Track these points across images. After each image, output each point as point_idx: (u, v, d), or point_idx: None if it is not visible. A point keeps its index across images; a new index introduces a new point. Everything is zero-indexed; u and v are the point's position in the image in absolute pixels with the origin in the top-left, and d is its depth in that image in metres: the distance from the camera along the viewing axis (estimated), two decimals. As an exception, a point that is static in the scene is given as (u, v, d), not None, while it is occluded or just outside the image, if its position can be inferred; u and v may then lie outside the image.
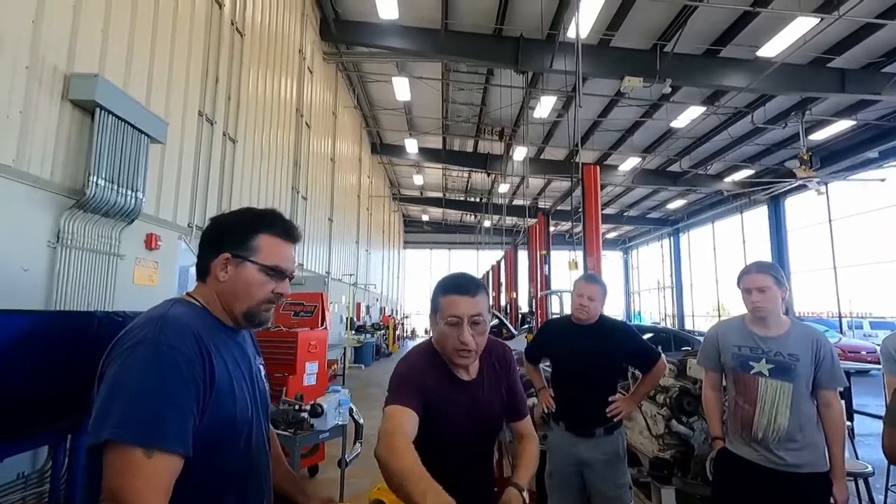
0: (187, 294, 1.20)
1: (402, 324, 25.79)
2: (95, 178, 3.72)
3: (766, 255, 18.24)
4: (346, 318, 12.13)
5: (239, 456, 1.11)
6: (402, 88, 12.46)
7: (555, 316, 7.76)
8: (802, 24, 8.57)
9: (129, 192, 4.06)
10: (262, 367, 1.32)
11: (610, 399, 2.44)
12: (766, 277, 2.14)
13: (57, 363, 2.56)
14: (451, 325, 1.39)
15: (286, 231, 1.21)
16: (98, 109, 3.74)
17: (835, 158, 14.74)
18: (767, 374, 2.12)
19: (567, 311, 7.20)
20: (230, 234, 1.17)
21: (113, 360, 0.98)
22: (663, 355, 2.59)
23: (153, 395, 0.93)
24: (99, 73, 3.83)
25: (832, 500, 2.04)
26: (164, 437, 0.92)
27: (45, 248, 3.45)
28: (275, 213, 1.23)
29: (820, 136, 13.88)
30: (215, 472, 1.06)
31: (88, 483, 0.97)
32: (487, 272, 23.57)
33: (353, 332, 13.22)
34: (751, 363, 2.16)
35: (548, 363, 2.88)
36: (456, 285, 1.43)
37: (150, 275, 4.67)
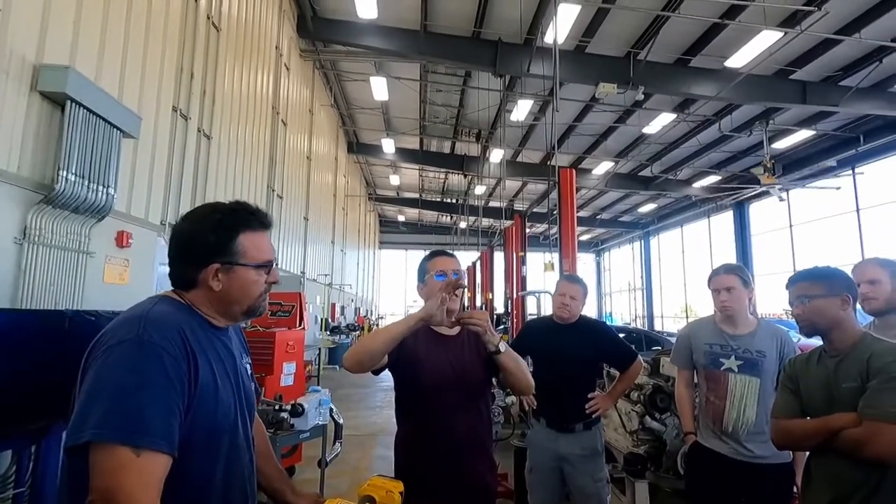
0: (172, 291, 1.17)
1: (378, 325, 25.65)
2: (65, 172, 3.60)
3: (731, 259, 18.88)
4: (321, 319, 11.99)
5: (222, 459, 1.08)
6: (379, 88, 12.41)
7: (531, 317, 7.87)
8: (767, 38, 8.95)
9: (101, 188, 3.94)
10: (248, 366, 1.29)
11: (589, 396, 2.51)
12: (733, 278, 2.27)
13: (24, 363, 2.46)
14: (439, 280, 1.73)
15: (261, 222, 1.19)
16: (69, 102, 3.62)
17: (796, 166, 15.40)
18: (736, 370, 2.24)
19: (544, 312, 7.29)
20: (211, 244, 1.12)
21: (94, 360, 0.96)
22: (640, 355, 2.69)
23: (136, 393, 0.91)
24: (70, 65, 3.71)
25: (795, 489, 2.16)
26: (150, 435, 0.89)
27: (11, 245, 3.32)
28: (245, 206, 1.19)
29: (782, 144, 14.48)
30: (197, 475, 1.03)
31: (68, 485, 0.95)
32: (463, 273, 23.51)
33: (328, 332, 13.09)
34: (721, 360, 2.28)
35: (529, 361, 2.94)
36: (438, 251, 1.88)
37: (120, 273, 4.53)
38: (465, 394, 1.71)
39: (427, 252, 1.95)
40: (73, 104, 3.66)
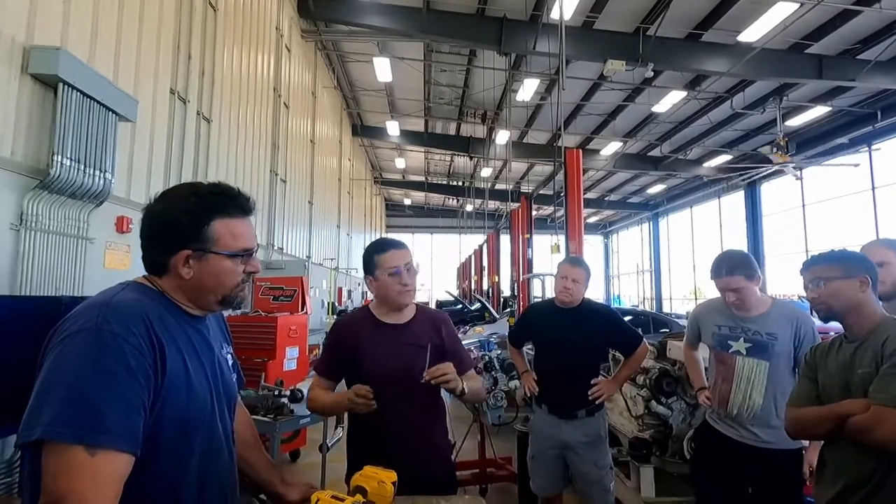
0: (144, 277, 1.10)
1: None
2: (60, 157, 3.54)
3: (741, 240, 18.64)
4: (328, 303, 12.03)
5: (196, 455, 1.02)
6: (383, 69, 12.19)
7: (537, 299, 7.81)
8: (782, 10, 8.62)
9: (97, 173, 3.89)
10: (230, 356, 1.23)
11: (592, 382, 2.45)
12: (737, 280, 2.12)
13: (21, 350, 2.43)
14: (392, 276, 1.69)
15: (240, 207, 1.09)
16: (61, 84, 3.55)
17: (810, 144, 15.02)
18: (745, 353, 2.16)
19: (549, 294, 7.23)
20: (182, 228, 1.03)
21: (50, 351, 0.90)
22: (645, 339, 2.61)
23: (93, 387, 0.84)
24: (61, 47, 3.63)
25: (806, 473, 2.08)
26: (107, 433, 0.83)
27: (7, 231, 3.29)
28: (223, 190, 1.10)
29: (796, 121, 14.11)
30: (168, 473, 0.97)
31: (29, 483, 0.89)
32: (470, 256, 23.56)
33: (335, 316, 13.14)
34: (729, 342, 2.21)
35: (530, 346, 2.88)
36: (387, 244, 1.76)
37: (121, 259, 4.51)
38: (411, 385, 1.61)
39: (377, 240, 1.88)
40: (66, 87, 3.58)
